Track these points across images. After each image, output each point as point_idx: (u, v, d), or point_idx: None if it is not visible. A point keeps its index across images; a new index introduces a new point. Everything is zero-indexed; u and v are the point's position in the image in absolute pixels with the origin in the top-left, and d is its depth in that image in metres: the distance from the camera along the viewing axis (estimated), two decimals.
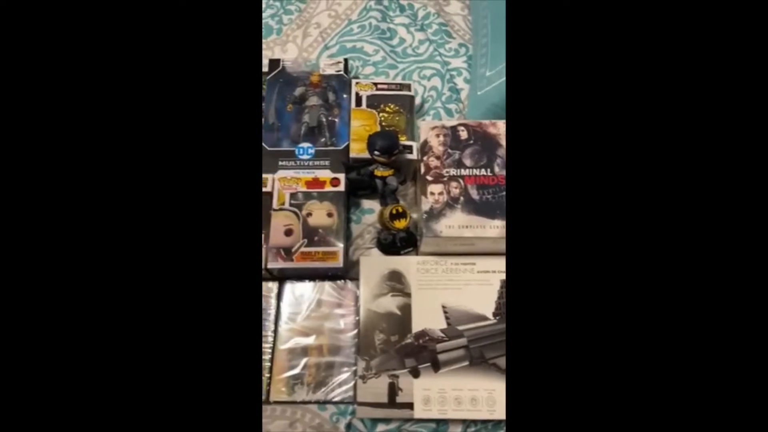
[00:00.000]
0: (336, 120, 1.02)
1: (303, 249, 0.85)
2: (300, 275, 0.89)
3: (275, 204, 0.88)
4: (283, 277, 0.89)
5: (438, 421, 0.80)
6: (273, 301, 0.88)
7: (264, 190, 0.90)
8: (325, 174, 0.93)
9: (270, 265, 0.83)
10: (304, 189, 0.90)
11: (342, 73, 1.05)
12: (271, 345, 0.85)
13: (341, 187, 0.90)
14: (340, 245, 0.86)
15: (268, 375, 0.83)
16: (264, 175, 0.91)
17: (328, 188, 0.90)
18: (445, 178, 0.85)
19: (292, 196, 0.90)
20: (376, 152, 0.89)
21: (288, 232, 0.86)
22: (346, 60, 1.07)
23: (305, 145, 0.98)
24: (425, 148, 0.87)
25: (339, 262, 0.84)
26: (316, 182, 0.90)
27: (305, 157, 0.97)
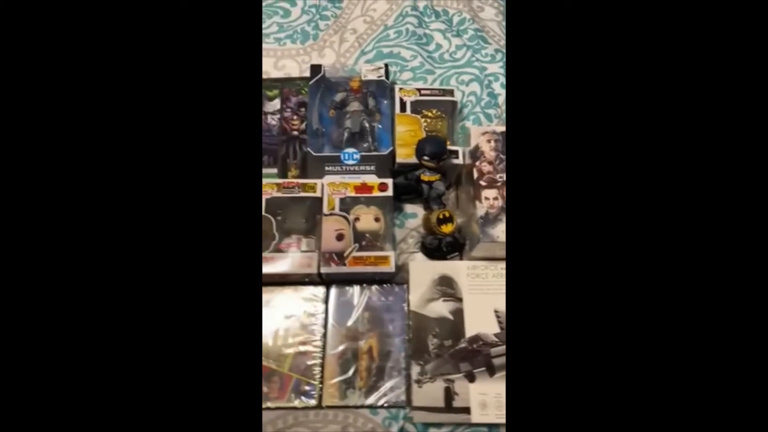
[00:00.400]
0: (376, 125, 1.03)
1: (355, 253, 0.85)
2: (347, 279, 0.89)
3: (325, 209, 0.89)
4: (329, 281, 0.89)
5: (490, 426, 0.80)
6: (321, 306, 0.88)
7: (313, 195, 0.90)
8: (372, 179, 0.93)
9: (323, 270, 0.84)
10: (353, 194, 0.90)
11: (383, 78, 1.05)
12: (321, 350, 0.85)
13: (389, 192, 0.91)
14: (392, 250, 0.87)
15: (320, 379, 0.83)
16: (312, 181, 0.92)
17: (377, 193, 0.91)
18: (499, 183, 0.85)
19: (341, 201, 0.90)
20: (426, 157, 0.89)
21: (339, 237, 0.86)
22: (386, 65, 1.07)
23: (350, 150, 0.98)
24: (477, 153, 0.88)
25: (391, 267, 0.85)
26: (364, 187, 0.91)
27: (351, 162, 0.97)
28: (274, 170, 1.03)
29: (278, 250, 0.86)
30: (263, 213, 0.88)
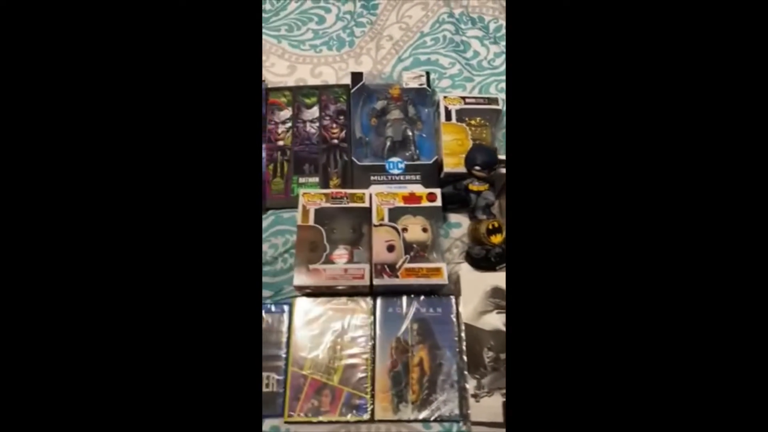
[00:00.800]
0: (417, 134, 1.02)
1: (407, 265, 0.84)
2: (394, 291, 0.88)
3: (375, 219, 0.87)
4: (376, 292, 0.88)
5: None
6: (368, 317, 0.87)
7: (362, 205, 0.89)
8: (420, 189, 0.92)
9: (376, 282, 0.82)
10: (402, 204, 0.89)
11: (425, 86, 1.04)
12: (370, 362, 0.84)
13: (438, 203, 0.90)
14: (441, 261, 0.86)
15: (371, 392, 0.82)
16: (360, 191, 0.90)
17: (425, 203, 0.90)
18: None
19: (390, 211, 0.89)
20: (477, 167, 0.88)
21: (390, 248, 0.85)
22: (428, 73, 1.06)
23: (395, 159, 0.97)
24: None
25: (444, 279, 0.83)
26: (412, 197, 0.90)
27: (395, 171, 0.96)
28: (316, 179, 1.02)
29: (329, 261, 0.84)
30: (313, 224, 0.86)
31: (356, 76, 1.05)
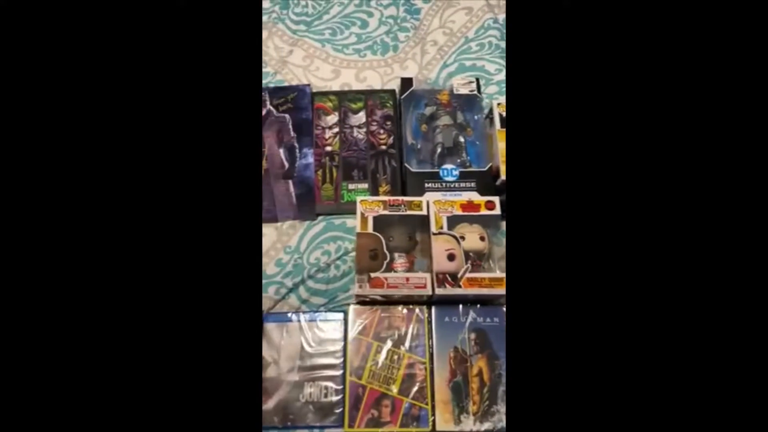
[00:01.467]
0: (469, 140, 1.01)
1: (468, 275, 0.83)
2: (449, 300, 0.87)
3: (433, 228, 0.86)
4: (432, 301, 0.87)
5: None
6: (424, 327, 0.86)
7: (419, 213, 0.88)
8: (477, 196, 0.91)
9: (438, 292, 0.81)
10: (460, 212, 0.88)
11: (475, 92, 1.03)
12: (429, 372, 0.83)
13: (497, 210, 0.89)
14: (501, 270, 0.85)
15: (432, 403, 0.81)
16: (418, 198, 0.89)
17: (484, 211, 0.88)
18: None
19: (448, 219, 0.87)
20: None
21: (450, 257, 0.84)
22: (477, 80, 1.05)
23: (449, 166, 0.96)
24: None
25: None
26: (470, 205, 0.89)
27: (450, 178, 0.95)
28: (365, 185, 1.01)
29: (391, 270, 0.83)
30: (372, 231, 0.85)
31: (406, 82, 1.04)
